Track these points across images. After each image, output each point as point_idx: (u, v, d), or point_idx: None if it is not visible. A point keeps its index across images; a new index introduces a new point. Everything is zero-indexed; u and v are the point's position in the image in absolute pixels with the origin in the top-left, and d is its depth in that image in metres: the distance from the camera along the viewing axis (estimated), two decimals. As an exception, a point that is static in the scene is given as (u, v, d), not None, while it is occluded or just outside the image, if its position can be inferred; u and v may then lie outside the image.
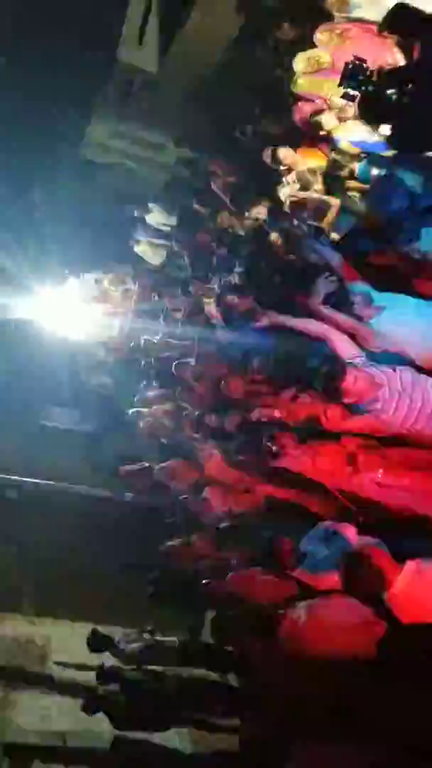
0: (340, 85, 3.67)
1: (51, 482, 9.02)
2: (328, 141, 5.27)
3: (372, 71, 3.49)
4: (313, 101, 5.29)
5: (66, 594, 7.20)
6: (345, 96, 3.67)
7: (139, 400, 7.85)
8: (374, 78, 3.45)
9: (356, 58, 3.58)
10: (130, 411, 7.78)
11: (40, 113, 10.46)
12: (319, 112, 5.25)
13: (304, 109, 5.31)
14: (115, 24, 8.75)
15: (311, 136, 5.46)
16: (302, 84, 5.28)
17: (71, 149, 11.43)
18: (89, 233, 11.67)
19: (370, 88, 3.43)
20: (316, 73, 5.18)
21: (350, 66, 3.54)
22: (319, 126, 5.30)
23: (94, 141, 11.16)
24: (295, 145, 5.62)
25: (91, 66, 9.47)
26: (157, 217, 10.29)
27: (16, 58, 9.55)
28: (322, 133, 5.30)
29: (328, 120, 5.30)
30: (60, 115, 10.65)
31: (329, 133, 5.30)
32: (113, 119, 10.28)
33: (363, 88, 3.47)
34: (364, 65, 3.52)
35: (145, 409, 7.49)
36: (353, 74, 3.48)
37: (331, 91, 5.17)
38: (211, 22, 7.59)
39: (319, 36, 5.07)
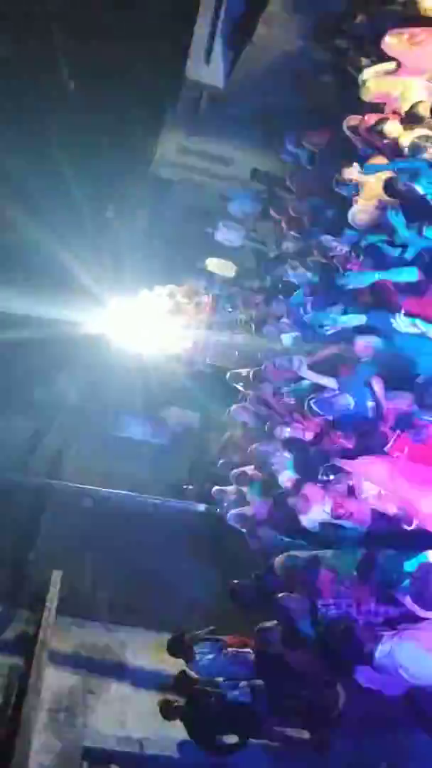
0: None
1: (126, 492, 9.19)
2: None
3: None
4: (381, 106, 5.28)
5: (140, 601, 7.32)
6: None
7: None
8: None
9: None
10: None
11: (112, 133, 10.81)
12: (385, 120, 5.22)
13: (370, 120, 5.29)
14: (182, 42, 8.96)
15: (377, 145, 5.41)
16: (370, 86, 5.27)
17: (142, 167, 11.73)
18: (162, 248, 11.89)
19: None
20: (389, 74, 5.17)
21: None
22: (382, 134, 5.27)
23: (163, 158, 11.43)
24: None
25: (159, 85, 9.72)
26: (226, 233, 10.39)
27: (86, 81, 9.89)
28: (386, 141, 5.25)
29: (392, 128, 5.27)
30: (131, 134, 10.94)
31: (395, 141, 5.26)
32: (182, 136, 10.48)
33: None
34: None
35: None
36: None
37: (400, 90, 5.20)
38: (277, 36, 7.66)
39: (388, 40, 5.05)
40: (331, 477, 4.86)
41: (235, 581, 5.94)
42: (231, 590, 5.90)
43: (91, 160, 10.87)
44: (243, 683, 5.30)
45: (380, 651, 3.83)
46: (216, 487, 7.05)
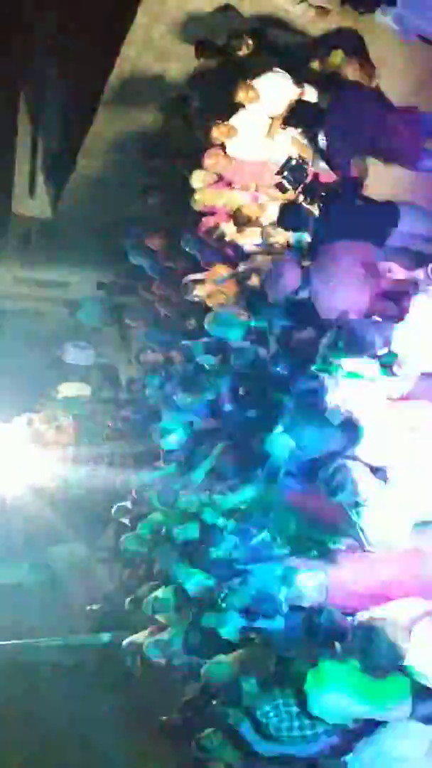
0: (278, 173, 3.96)
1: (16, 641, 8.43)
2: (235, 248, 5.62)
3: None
4: (213, 213, 5.68)
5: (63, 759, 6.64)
6: (278, 186, 3.95)
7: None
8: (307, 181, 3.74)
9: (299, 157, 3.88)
10: None
11: None
12: (219, 224, 5.63)
13: (208, 221, 5.68)
14: (5, 180, 9.21)
15: (217, 247, 5.79)
16: (199, 199, 5.67)
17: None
18: (9, 379, 11.64)
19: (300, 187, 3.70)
20: (211, 185, 5.60)
21: (291, 162, 3.84)
22: (222, 235, 5.66)
23: (-2, 290, 11.43)
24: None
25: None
26: (75, 354, 10.43)
27: None
28: (227, 239, 5.64)
29: (228, 229, 5.69)
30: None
31: (232, 240, 5.66)
32: (16, 267, 10.58)
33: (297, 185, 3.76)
34: (305, 166, 3.83)
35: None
36: (292, 169, 3.78)
37: (225, 200, 5.64)
38: (97, 165, 8.10)
39: (207, 161, 5.51)
40: None
41: (164, 717, 5.62)
42: (161, 726, 5.57)
43: None
44: None
45: None
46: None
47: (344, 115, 4.15)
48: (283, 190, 4.09)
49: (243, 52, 5.36)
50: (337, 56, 4.70)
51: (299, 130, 4.58)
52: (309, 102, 4.64)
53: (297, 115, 4.53)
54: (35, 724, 7.08)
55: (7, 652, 8.12)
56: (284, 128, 4.92)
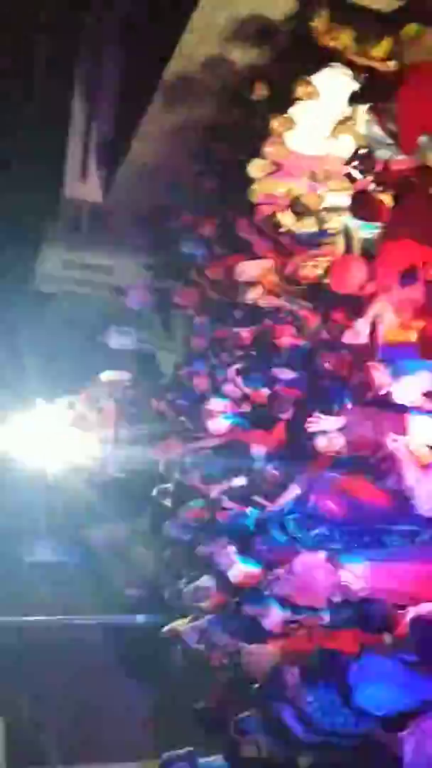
0: (346, 163, 3.93)
1: (51, 617, 8.57)
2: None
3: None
4: (270, 203, 5.68)
5: (91, 734, 6.73)
6: (347, 176, 3.91)
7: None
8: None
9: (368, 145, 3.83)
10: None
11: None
12: (277, 212, 5.62)
13: (264, 210, 5.68)
14: (57, 163, 9.29)
15: (272, 235, 5.79)
16: (257, 188, 5.67)
17: (23, 284, 11.76)
18: (52, 361, 11.79)
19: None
20: (269, 175, 5.59)
21: (360, 151, 3.80)
22: (278, 225, 5.65)
23: (45, 273, 11.53)
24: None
25: (38, 206, 9.95)
26: (118, 338, 10.52)
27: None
28: (281, 230, 5.63)
29: (285, 218, 5.67)
30: (11, 256, 11.01)
31: (288, 230, 5.65)
32: (63, 250, 10.66)
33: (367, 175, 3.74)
34: (374, 154, 3.79)
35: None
36: (362, 158, 3.75)
37: (285, 189, 5.63)
38: (150, 151, 8.11)
39: (267, 149, 5.50)
40: None
41: (199, 705, 5.68)
42: (196, 715, 5.63)
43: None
44: None
45: None
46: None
47: (418, 92, 4.02)
48: (353, 180, 4.05)
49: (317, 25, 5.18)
50: (411, 28, 4.58)
51: (369, 109, 4.45)
52: (381, 75, 4.52)
53: (369, 91, 4.43)
54: (67, 703, 7.21)
55: (42, 629, 8.29)
56: (349, 121, 4.84)
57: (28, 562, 10.43)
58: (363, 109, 4.46)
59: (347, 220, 4.31)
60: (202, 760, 5.27)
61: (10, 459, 10.73)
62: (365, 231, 4.31)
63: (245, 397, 6.17)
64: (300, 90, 5.15)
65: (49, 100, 9.51)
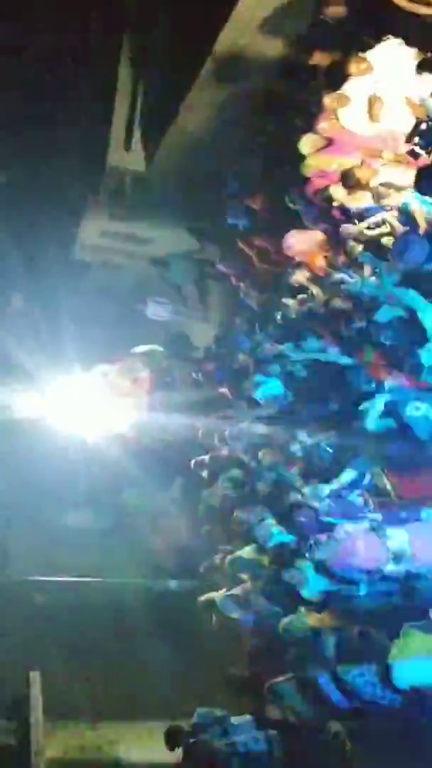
0: (407, 140, 3.88)
1: (84, 579, 8.80)
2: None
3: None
4: (322, 176, 5.66)
5: (122, 691, 6.95)
6: (410, 152, 3.89)
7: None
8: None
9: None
10: None
11: (34, 224, 10.96)
12: (330, 185, 5.60)
13: (316, 183, 5.66)
14: (102, 131, 9.30)
15: (324, 209, 5.77)
16: (310, 163, 5.65)
17: (63, 252, 11.86)
18: (90, 329, 11.90)
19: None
20: (322, 150, 5.56)
21: (422, 126, 3.77)
22: (330, 198, 5.64)
23: (85, 242, 11.61)
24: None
25: (82, 172, 9.98)
26: (156, 309, 10.57)
27: (12, 174, 10.05)
28: (334, 204, 5.61)
29: (336, 192, 5.65)
30: (53, 222, 11.09)
31: (341, 203, 5.63)
32: (105, 219, 10.71)
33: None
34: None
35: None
36: (423, 133, 3.74)
37: (336, 165, 5.60)
38: (196, 122, 8.08)
39: (322, 125, 5.46)
40: None
41: (231, 671, 5.81)
42: (228, 679, 5.76)
43: (17, 250, 10.95)
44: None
45: None
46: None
47: None
48: (416, 156, 4.02)
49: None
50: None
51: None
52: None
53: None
54: (101, 661, 7.43)
55: (81, 590, 8.51)
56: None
57: (67, 527, 10.66)
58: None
59: (409, 196, 4.28)
60: (232, 719, 5.42)
61: (49, 426, 10.91)
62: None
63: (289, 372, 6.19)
64: (354, 67, 5.11)
65: (96, 69, 9.49)
